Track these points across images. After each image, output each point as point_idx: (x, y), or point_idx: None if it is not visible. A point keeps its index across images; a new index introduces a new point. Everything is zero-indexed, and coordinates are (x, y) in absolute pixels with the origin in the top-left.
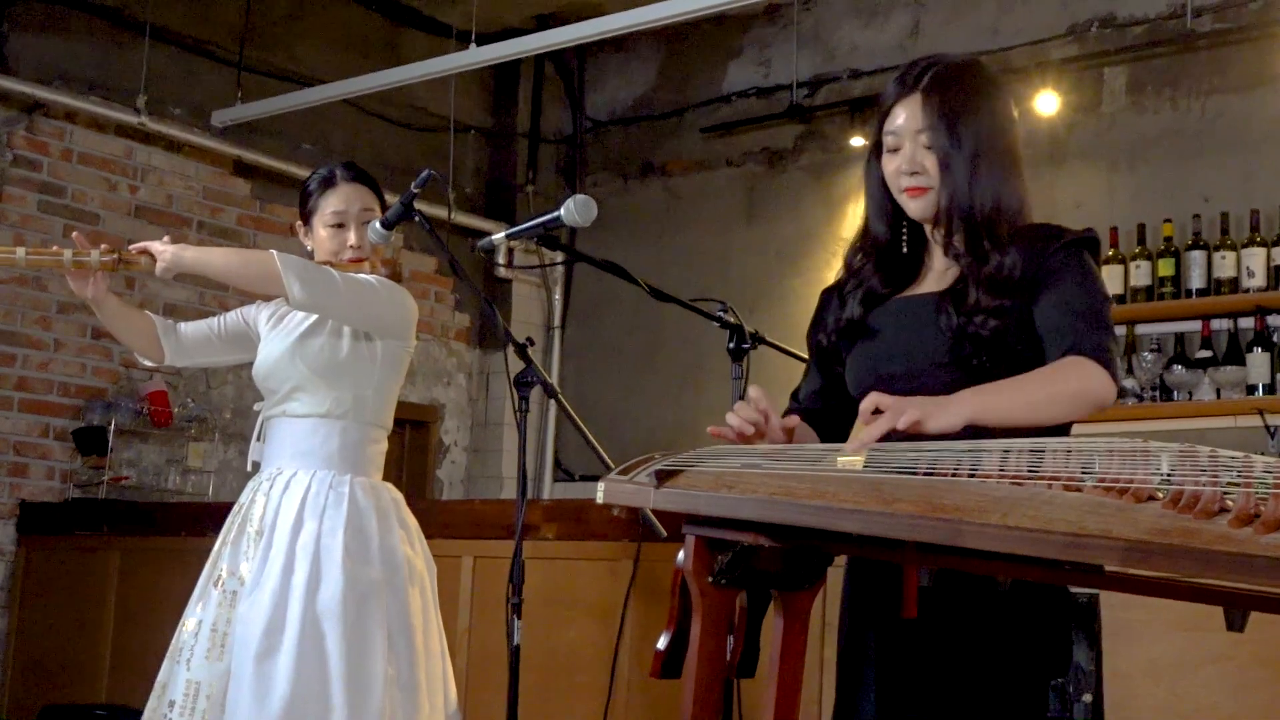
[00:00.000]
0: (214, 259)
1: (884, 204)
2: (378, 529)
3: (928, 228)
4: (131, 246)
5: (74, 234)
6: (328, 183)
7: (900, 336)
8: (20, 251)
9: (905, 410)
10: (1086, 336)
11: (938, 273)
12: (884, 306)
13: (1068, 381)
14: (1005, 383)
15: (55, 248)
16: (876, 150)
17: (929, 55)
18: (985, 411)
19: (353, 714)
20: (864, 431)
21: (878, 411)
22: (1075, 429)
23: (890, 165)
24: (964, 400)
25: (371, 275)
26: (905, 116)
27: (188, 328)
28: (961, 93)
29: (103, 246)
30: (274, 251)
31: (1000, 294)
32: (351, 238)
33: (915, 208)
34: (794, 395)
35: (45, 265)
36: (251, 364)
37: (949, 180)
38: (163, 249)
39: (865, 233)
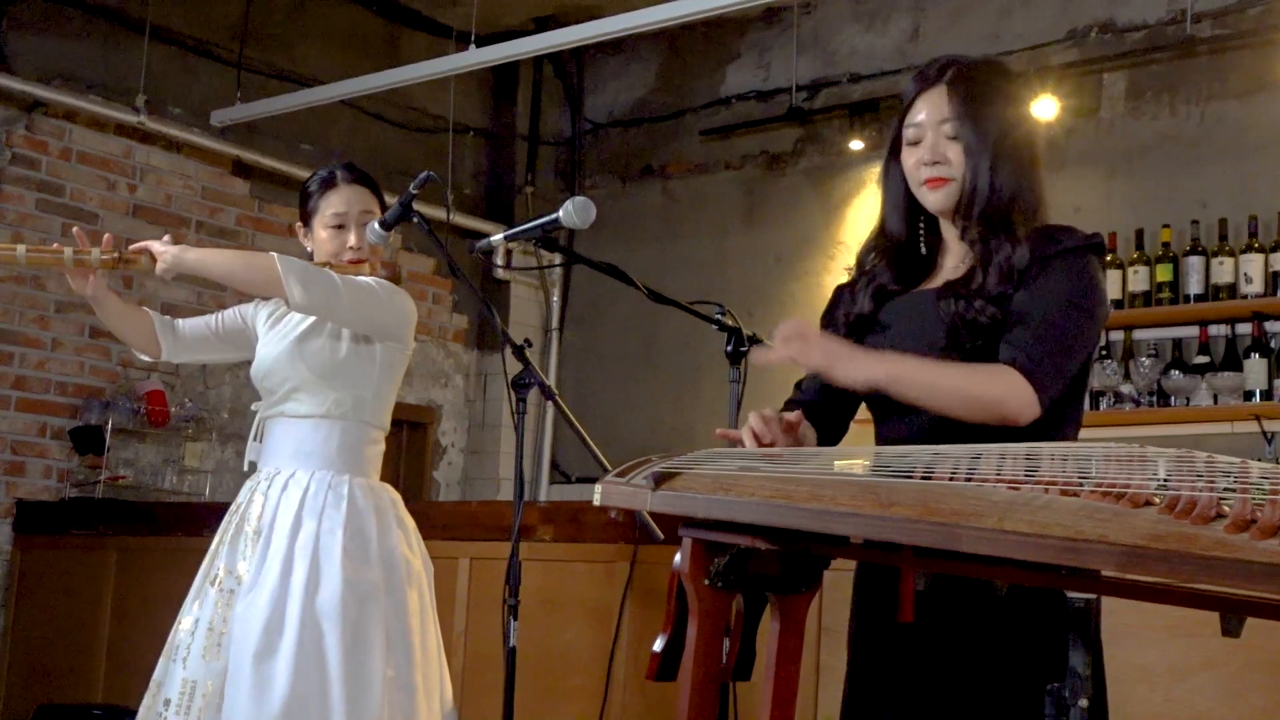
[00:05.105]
0: (215, 260)
1: (903, 202)
2: (376, 530)
3: (943, 222)
4: (132, 246)
5: (74, 230)
6: (328, 184)
7: (904, 330)
8: (20, 249)
9: (815, 351)
10: (1031, 350)
11: (949, 270)
12: (893, 302)
13: (989, 388)
14: (931, 364)
15: (56, 245)
16: (894, 149)
17: (948, 54)
18: (895, 381)
19: (352, 714)
20: (768, 354)
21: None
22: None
23: (911, 158)
24: (880, 361)
25: (371, 277)
26: (928, 109)
27: (186, 324)
28: (984, 86)
29: (105, 239)
30: (274, 254)
31: (1005, 283)
32: (351, 239)
33: (935, 199)
34: (798, 385)
35: (46, 264)
36: (248, 363)
37: (971, 169)
38: (163, 250)
39: (880, 231)
